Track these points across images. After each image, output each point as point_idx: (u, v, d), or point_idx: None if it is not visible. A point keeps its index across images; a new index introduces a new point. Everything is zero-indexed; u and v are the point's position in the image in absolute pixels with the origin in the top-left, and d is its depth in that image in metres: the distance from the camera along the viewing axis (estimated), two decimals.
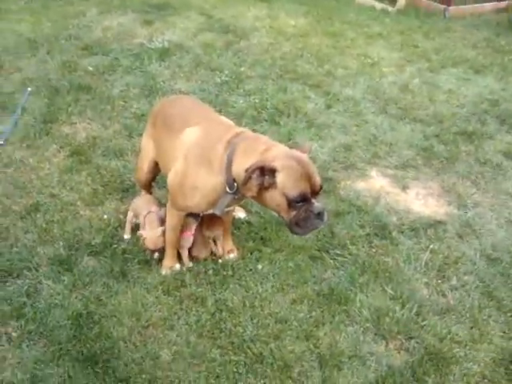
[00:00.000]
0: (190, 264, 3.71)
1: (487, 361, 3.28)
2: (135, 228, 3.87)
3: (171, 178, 3.32)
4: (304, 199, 2.85)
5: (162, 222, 3.72)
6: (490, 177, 5.11)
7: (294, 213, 2.88)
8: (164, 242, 3.62)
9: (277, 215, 3.03)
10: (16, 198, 4.20)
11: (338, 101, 6.18)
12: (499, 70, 7.55)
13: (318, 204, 2.90)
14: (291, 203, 2.85)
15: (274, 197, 2.87)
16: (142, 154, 3.92)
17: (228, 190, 3.06)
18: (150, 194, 4.10)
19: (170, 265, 3.66)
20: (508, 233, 4.39)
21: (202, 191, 3.17)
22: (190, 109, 3.63)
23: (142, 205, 3.87)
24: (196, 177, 3.15)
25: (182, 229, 3.63)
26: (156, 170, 3.89)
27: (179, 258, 3.72)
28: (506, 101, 6.62)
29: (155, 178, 4.06)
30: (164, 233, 3.59)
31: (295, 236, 3.54)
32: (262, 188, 2.86)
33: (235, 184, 3.02)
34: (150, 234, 3.63)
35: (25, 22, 7.53)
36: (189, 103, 3.82)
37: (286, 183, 2.81)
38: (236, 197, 3.12)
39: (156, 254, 3.70)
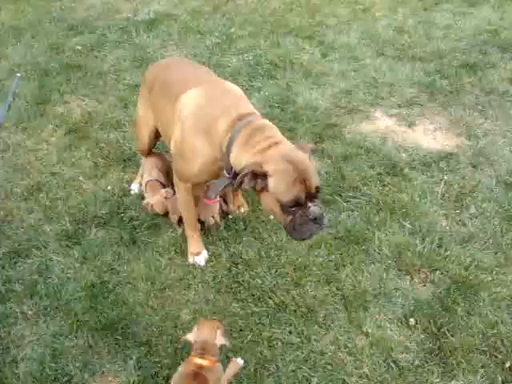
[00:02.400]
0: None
1: None
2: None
3: (172, 146, 3.12)
4: (298, 204, 2.62)
5: (164, 185, 3.65)
6: (497, 105, 4.98)
7: (289, 218, 2.66)
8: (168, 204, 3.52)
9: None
10: (17, 180, 4.11)
11: (333, 49, 6.01)
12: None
13: (314, 208, 2.65)
14: (285, 208, 2.64)
15: (268, 201, 2.68)
16: (141, 123, 3.72)
17: (226, 173, 2.85)
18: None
19: (196, 250, 3.39)
20: None
21: (201, 159, 2.94)
22: (188, 70, 3.42)
23: (147, 168, 3.80)
24: (195, 143, 2.93)
25: (205, 197, 3.46)
26: (157, 136, 3.72)
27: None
28: (505, 29, 6.42)
29: (155, 144, 3.93)
30: (167, 193, 3.50)
31: None
32: (256, 190, 2.69)
33: (233, 170, 2.79)
34: (156, 199, 3.55)
35: (6, 10, 7.33)
36: (185, 64, 3.63)
37: (278, 188, 2.60)
38: (234, 182, 2.80)
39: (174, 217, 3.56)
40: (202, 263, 3.35)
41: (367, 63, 5.72)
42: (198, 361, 2.50)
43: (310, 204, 2.64)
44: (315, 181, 2.66)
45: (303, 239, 2.78)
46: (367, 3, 7.32)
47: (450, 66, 5.62)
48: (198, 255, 3.37)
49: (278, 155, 2.65)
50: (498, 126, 4.67)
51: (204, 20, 6.84)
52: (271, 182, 2.60)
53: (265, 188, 2.63)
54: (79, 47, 6.21)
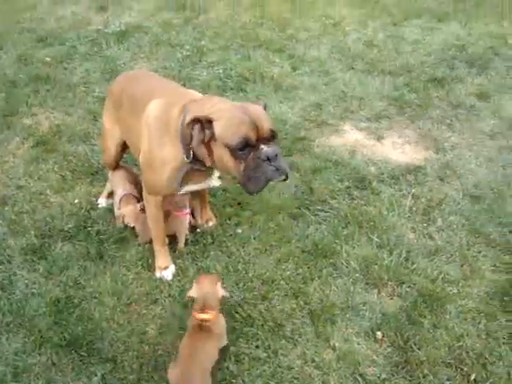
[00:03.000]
0: (184, 249, 3.52)
1: (481, 295, 3.24)
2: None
3: (141, 158, 3.09)
4: (247, 145, 2.57)
5: (138, 200, 3.61)
6: (464, 118, 5.08)
7: (242, 165, 2.61)
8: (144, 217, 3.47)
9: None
10: None
11: (303, 62, 6.07)
12: (463, 16, 7.49)
13: (267, 148, 2.58)
14: (235, 153, 2.59)
15: (218, 151, 2.64)
16: (107, 135, 3.67)
17: (186, 158, 2.78)
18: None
19: (163, 265, 3.35)
20: (488, 170, 4.35)
21: (171, 164, 2.90)
22: (150, 82, 3.41)
23: (118, 182, 3.75)
24: (162, 149, 2.91)
25: (175, 210, 3.45)
26: (124, 149, 3.68)
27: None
28: (472, 45, 6.58)
29: (122, 156, 3.89)
30: (142, 207, 3.44)
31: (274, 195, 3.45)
32: (207, 145, 2.66)
33: (191, 152, 2.76)
34: (128, 210, 3.52)
35: None
36: (147, 76, 3.61)
37: (224, 131, 2.59)
38: (195, 167, 2.85)
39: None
40: (170, 277, 3.31)
41: (337, 77, 5.77)
42: (201, 316, 2.70)
43: (262, 146, 2.59)
44: (268, 124, 2.63)
45: (260, 188, 2.66)
46: (337, 18, 7.44)
47: (418, 80, 5.72)
48: (166, 269, 3.33)
49: (226, 105, 2.72)
50: (465, 140, 4.76)
51: (175, 33, 6.85)
52: (217, 127, 2.60)
53: (213, 136, 2.61)
54: (48, 59, 6.16)
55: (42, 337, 2.95)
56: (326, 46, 6.51)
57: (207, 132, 2.61)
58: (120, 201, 3.61)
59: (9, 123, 4.91)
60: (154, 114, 3.00)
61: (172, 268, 3.35)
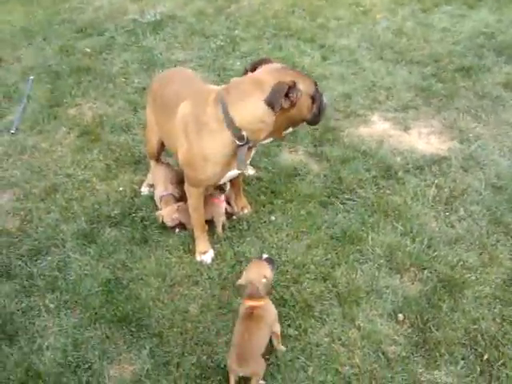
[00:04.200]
0: (222, 234, 3.79)
1: (498, 282, 3.44)
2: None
3: (181, 158, 3.37)
4: (316, 87, 3.20)
5: (177, 200, 3.89)
6: (490, 109, 5.18)
7: (314, 106, 3.19)
8: (182, 217, 3.77)
9: (289, 131, 3.36)
10: (34, 181, 4.39)
11: (333, 52, 6.24)
12: (494, 1, 7.50)
13: (319, 88, 3.25)
14: (314, 98, 3.16)
15: (303, 104, 3.11)
16: (149, 127, 3.99)
17: (238, 142, 3.10)
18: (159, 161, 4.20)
19: (203, 250, 3.63)
20: (511, 161, 4.49)
21: (212, 158, 3.21)
22: (179, 84, 3.63)
23: (159, 179, 4.00)
24: (202, 146, 3.19)
25: (211, 198, 3.74)
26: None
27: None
28: (501, 32, 6.61)
29: (164, 148, 4.18)
30: (179, 208, 3.73)
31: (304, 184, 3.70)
32: (290, 105, 3.04)
33: (243, 134, 3.08)
34: (167, 211, 3.79)
35: (17, 12, 7.61)
36: (179, 78, 3.79)
37: (306, 85, 3.11)
38: (249, 146, 3.18)
39: (177, 230, 3.82)
40: (209, 261, 3.61)
41: (366, 67, 5.94)
42: (249, 303, 2.92)
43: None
44: None
45: (324, 116, 3.39)
46: (367, 5, 7.53)
47: (445, 69, 5.83)
48: (205, 254, 3.63)
49: (273, 70, 3.13)
50: (490, 131, 4.88)
51: (208, 22, 7.08)
52: (300, 85, 3.05)
53: (298, 95, 3.04)
54: (88, 50, 6.48)
55: (96, 313, 3.30)
56: (355, 35, 6.65)
57: (292, 94, 3.01)
58: (160, 200, 3.89)
59: (55, 114, 5.25)
60: (187, 114, 3.27)
61: (211, 252, 3.65)
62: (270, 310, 2.99)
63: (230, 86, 3.17)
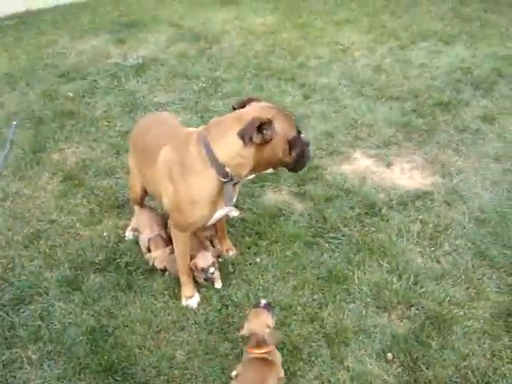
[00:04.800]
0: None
1: (486, 317, 3.45)
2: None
3: (167, 203, 3.34)
4: (298, 133, 3.11)
5: (165, 241, 3.86)
6: (470, 142, 5.29)
7: (293, 152, 3.09)
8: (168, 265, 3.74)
9: (271, 171, 3.31)
10: (17, 228, 4.34)
11: (314, 90, 6.33)
12: (468, 37, 7.72)
13: (303, 135, 3.20)
14: (292, 143, 3.06)
15: (277, 146, 3.01)
16: (132, 174, 3.97)
17: (223, 179, 3.09)
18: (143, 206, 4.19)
19: (189, 294, 3.60)
20: (493, 193, 4.55)
21: (200, 200, 3.18)
22: (159, 130, 3.62)
23: (145, 223, 3.97)
24: (188, 189, 3.16)
25: (198, 249, 3.70)
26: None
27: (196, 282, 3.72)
28: (477, 67, 6.80)
29: (147, 194, 4.16)
30: (171, 251, 3.67)
31: (289, 224, 3.70)
32: (263, 144, 2.97)
33: (227, 170, 3.07)
34: (158, 253, 3.76)
35: (0, 58, 7.64)
36: (157, 123, 3.77)
37: (284, 127, 3.01)
38: (234, 182, 3.17)
39: (167, 273, 3.79)
40: (195, 306, 3.57)
41: (347, 104, 6.03)
42: (257, 350, 2.90)
43: (301, 134, 3.17)
44: None
45: (306, 164, 3.31)
46: (346, 43, 7.69)
47: (425, 104, 5.96)
48: (191, 298, 3.59)
49: (257, 108, 3.08)
50: (471, 164, 4.97)
51: (190, 64, 7.16)
52: (277, 124, 2.96)
53: (272, 134, 2.95)
54: (71, 94, 6.49)
55: (80, 363, 3.22)
56: (335, 73, 6.77)
57: (266, 132, 2.93)
58: (149, 242, 3.85)
59: (38, 159, 5.22)
60: (169, 158, 3.25)
61: (197, 297, 3.61)
62: (277, 355, 3.00)
63: (210, 124, 3.16)
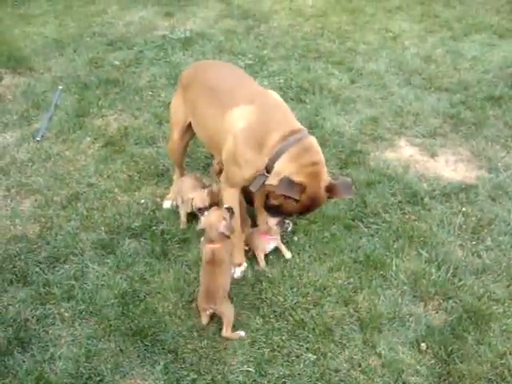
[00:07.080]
0: (266, 268, 3.66)
1: None
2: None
3: (225, 154, 3.39)
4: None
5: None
6: None
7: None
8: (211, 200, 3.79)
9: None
10: (56, 189, 4.37)
11: (361, 75, 6.21)
12: None
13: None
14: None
15: (289, 204, 3.19)
16: (173, 120, 3.98)
17: (265, 171, 3.21)
18: (183, 172, 4.20)
19: (238, 261, 3.60)
20: None
21: (253, 168, 3.26)
22: (235, 80, 3.61)
23: (188, 188, 3.95)
24: (248, 155, 3.24)
25: (260, 231, 3.74)
26: (187, 135, 3.95)
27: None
28: None
29: (187, 147, 4.14)
30: (210, 192, 3.78)
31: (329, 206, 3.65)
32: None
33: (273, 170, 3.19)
34: (197, 194, 3.79)
35: (50, 24, 7.68)
36: (231, 72, 3.79)
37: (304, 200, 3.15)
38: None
39: (206, 213, 3.67)
40: (238, 275, 3.56)
41: (394, 91, 5.89)
42: (210, 246, 3.23)
43: None
44: None
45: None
46: (397, 31, 7.50)
47: (475, 97, 5.76)
48: (239, 266, 3.59)
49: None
50: None
51: (237, 41, 7.08)
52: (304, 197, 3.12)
53: (294, 199, 3.09)
54: (117, 62, 6.50)
55: (110, 325, 3.24)
56: (384, 60, 6.62)
57: (294, 189, 3.08)
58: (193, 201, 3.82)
59: (81, 123, 5.25)
60: (243, 125, 3.27)
61: (244, 266, 3.62)
62: (228, 249, 3.29)
63: (301, 143, 3.20)
